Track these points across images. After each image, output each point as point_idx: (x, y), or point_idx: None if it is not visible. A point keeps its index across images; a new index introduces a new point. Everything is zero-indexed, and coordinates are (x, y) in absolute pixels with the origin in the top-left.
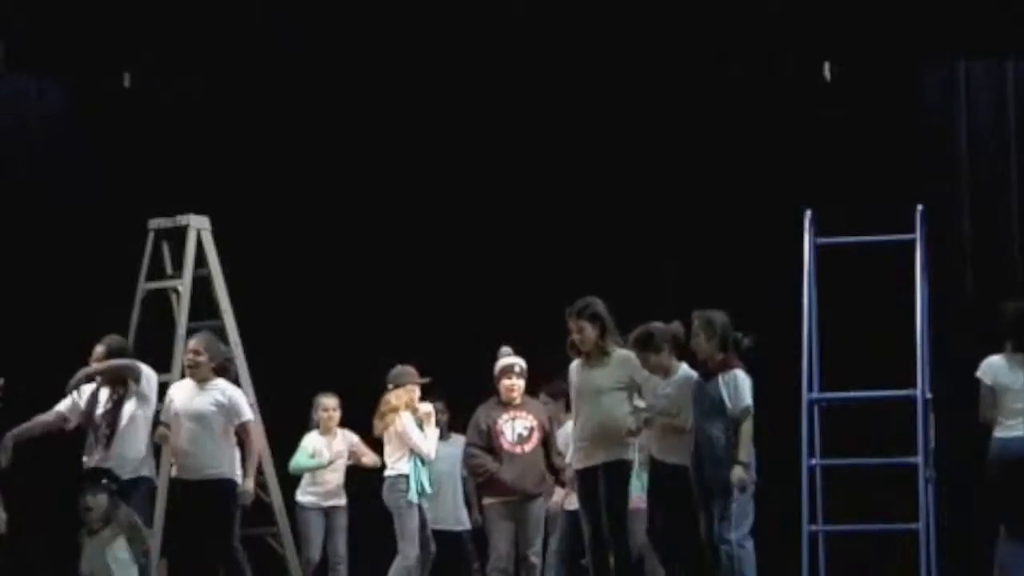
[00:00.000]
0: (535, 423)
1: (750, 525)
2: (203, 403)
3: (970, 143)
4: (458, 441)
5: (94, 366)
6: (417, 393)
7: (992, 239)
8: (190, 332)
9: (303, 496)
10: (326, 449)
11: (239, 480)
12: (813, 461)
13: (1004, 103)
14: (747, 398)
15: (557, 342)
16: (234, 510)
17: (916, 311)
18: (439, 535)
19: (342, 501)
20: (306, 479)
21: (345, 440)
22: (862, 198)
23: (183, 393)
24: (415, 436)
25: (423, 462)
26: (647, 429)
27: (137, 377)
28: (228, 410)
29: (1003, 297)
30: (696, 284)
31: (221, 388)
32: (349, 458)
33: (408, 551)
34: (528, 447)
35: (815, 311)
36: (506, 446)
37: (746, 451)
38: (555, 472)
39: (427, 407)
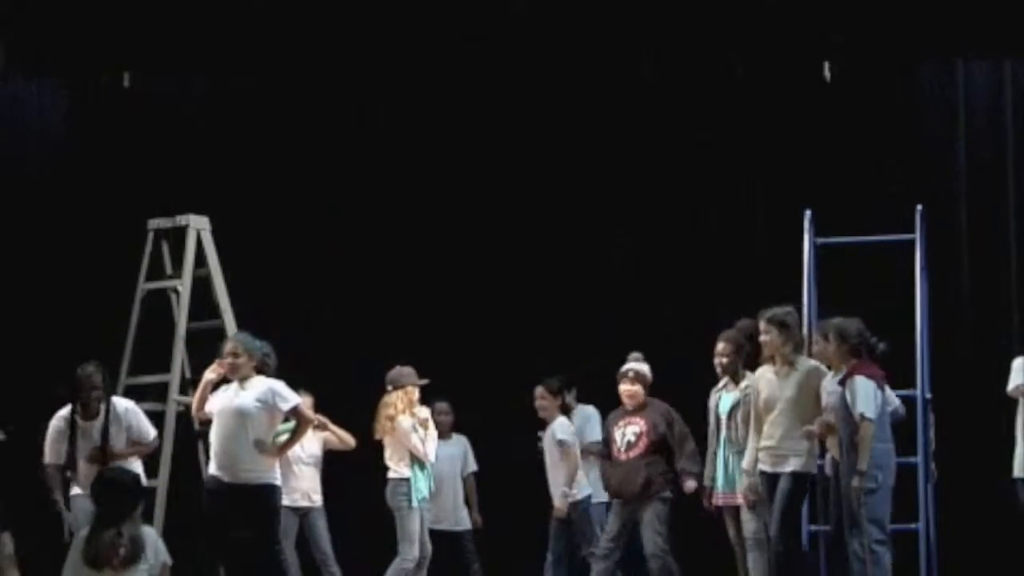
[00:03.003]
0: (644, 428)
1: (883, 529)
2: (246, 400)
3: (969, 143)
4: (460, 442)
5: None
6: (416, 395)
7: (991, 239)
8: (190, 332)
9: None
10: (298, 446)
11: (277, 483)
12: None
13: (1003, 103)
14: (862, 404)
15: (560, 342)
16: (273, 513)
17: (916, 311)
18: (439, 535)
19: (317, 502)
20: (280, 480)
21: (318, 439)
22: (862, 198)
23: (223, 394)
24: (414, 440)
25: (422, 466)
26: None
27: None
28: (272, 404)
29: (1002, 297)
30: (696, 284)
31: (262, 383)
32: (325, 446)
33: (408, 552)
34: (633, 453)
35: (815, 311)
36: (615, 452)
37: (864, 459)
38: (676, 475)
39: (424, 411)
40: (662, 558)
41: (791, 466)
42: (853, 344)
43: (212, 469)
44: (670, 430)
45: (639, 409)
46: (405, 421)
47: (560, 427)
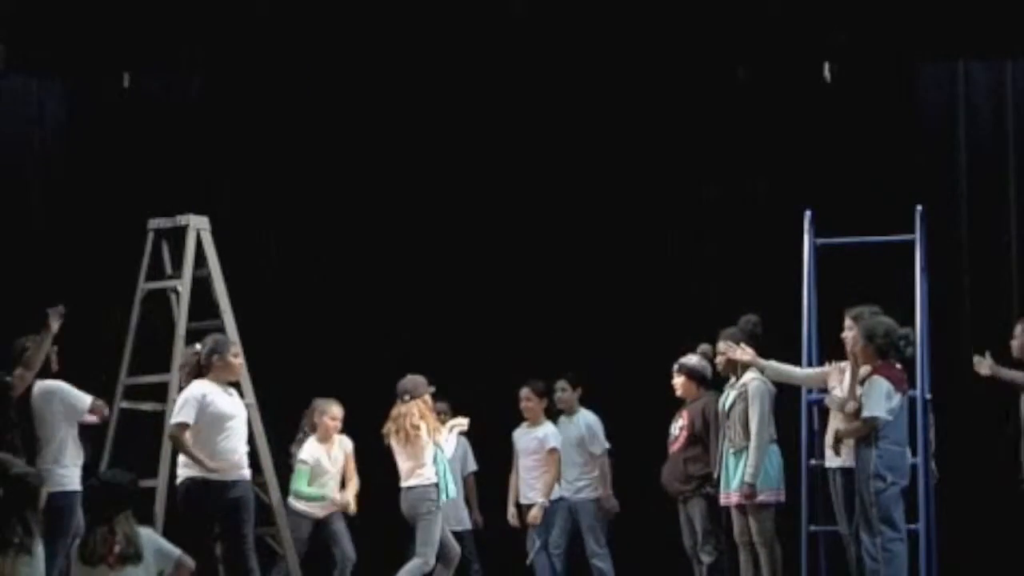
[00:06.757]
0: (685, 422)
1: (895, 528)
2: (243, 405)
3: (969, 143)
4: (460, 442)
5: None
6: (430, 403)
7: (991, 239)
8: (190, 332)
9: (296, 502)
10: (325, 457)
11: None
12: (813, 461)
13: (1003, 103)
14: (871, 406)
15: (560, 343)
16: (251, 508)
17: (916, 311)
18: None
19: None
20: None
21: (342, 448)
22: (862, 198)
23: (219, 395)
24: (440, 441)
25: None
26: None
27: None
28: (253, 412)
29: (1002, 297)
30: (696, 284)
31: (240, 393)
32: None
33: (429, 556)
34: (675, 447)
35: (815, 311)
36: (668, 445)
37: (833, 441)
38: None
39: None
40: (710, 556)
41: (841, 462)
42: (879, 344)
43: (207, 472)
44: (706, 428)
45: (690, 402)
46: (425, 429)
47: (552, 435)
